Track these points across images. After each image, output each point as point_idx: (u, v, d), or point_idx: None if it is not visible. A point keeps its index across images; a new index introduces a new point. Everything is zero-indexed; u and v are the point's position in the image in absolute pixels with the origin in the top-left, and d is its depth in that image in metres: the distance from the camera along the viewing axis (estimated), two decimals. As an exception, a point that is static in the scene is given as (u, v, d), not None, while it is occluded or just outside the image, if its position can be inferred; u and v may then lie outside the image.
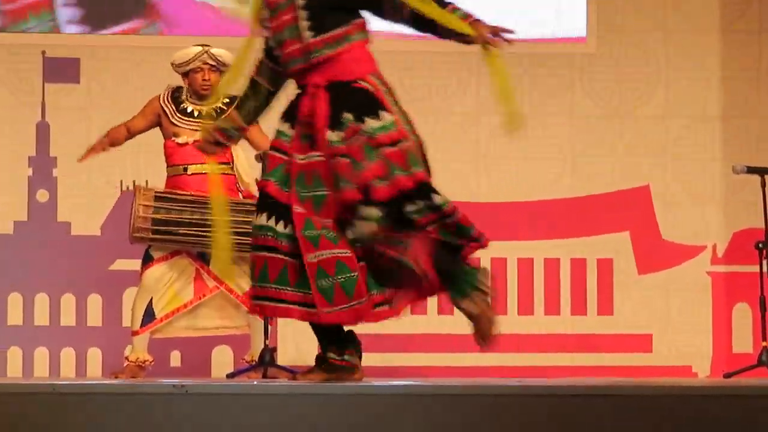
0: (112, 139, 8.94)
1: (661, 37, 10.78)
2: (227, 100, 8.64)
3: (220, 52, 8.99)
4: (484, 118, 10.72)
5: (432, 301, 9.78)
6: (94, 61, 10.74)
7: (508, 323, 9.83)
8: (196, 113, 8.85)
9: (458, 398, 5.10)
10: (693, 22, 10.79)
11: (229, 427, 4.88)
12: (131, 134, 8.85)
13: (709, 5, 10.80)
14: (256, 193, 8.15)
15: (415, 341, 10.62)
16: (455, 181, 10.18)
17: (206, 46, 9.16)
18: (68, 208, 10.26)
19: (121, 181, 9.38)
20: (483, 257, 9.94)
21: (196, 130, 8.55)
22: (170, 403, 4.99)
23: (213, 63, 8.89)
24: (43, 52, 10.48)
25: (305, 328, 9.75)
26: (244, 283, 8.28)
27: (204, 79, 8.83)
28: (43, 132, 10.55)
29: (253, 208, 7.95)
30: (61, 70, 10.74)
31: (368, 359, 9.48)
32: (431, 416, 4.83)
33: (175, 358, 9.84)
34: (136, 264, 8.96)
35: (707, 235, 10.56)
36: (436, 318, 10.47)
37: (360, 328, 9.74)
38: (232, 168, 8.86)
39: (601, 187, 10.63)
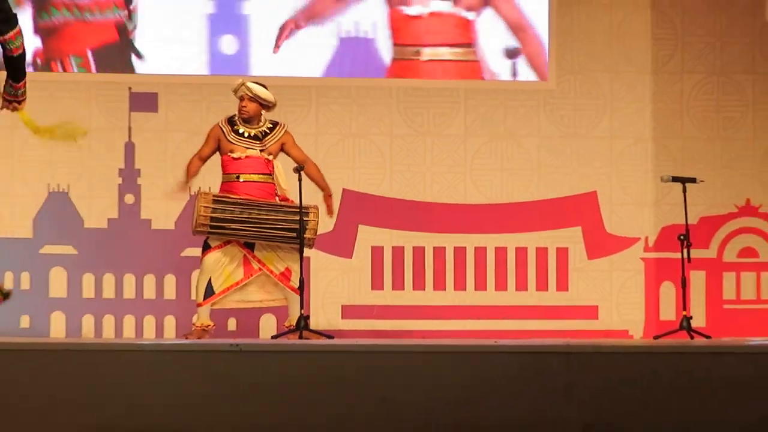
0: (191, 174, 9.04)
1: (607, 77, 10.77)
2: (270, 125, 8.97)
3: (253, 86, 9.00)
4: (469, 138, 10.73)
5: (429, 280, 10.67)
6: (169, 95, 10.64)
7: (487, 297, 10.70)
8: (246, 134, 8.84)
9: (449, 354, 5.24)
10: (632, 65, 10.80)
11: (273, 377, 4.97)
12: (203, 161, 8.98)
13: (644, 52, 10.77)
14: (291, 198, 8.80)
15: (417, 311, 10.53)
16: (448, 188, 10.78)
17: (245, 80, 9.16)
18: (149, 209, 10.28)
19: (189, 187, 9.31)
20: (467, 246, 10.79)
21: (248, 148, 8.78)
22: (228, 358, 5.14)
23: (250, 94, 8.88)
24: (130, 89, 10.44)
25: (333, 300, 10.55)
26: (280, 266, 8.65)
27: (242, 106, 8.87)
28: (129, 150, 10.48)
29: (288, 209, 8.73)
30: (144, 102, 10.68)
31: (381, 324, 10.56)
32: (428, 367, 5.03)
33: (232, 324, 9.91)
34: (199, 250, 8.95)
35: (641, 229, 10.55)
36: (432, 293, 10.68)
37: (377, 301, 10.69)
38: (272, 177, 8.89)
39: (560, 193, 10.62)
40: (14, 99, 7.65)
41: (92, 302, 10.36)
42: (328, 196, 9.00)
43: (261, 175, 8.85)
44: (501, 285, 10.65)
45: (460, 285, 10.69)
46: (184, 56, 11.30)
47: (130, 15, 11.22)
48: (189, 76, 10.89)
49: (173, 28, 11.41)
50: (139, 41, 11.28)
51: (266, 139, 8.87)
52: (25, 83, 7.73)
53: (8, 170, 10.36)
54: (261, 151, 8.85)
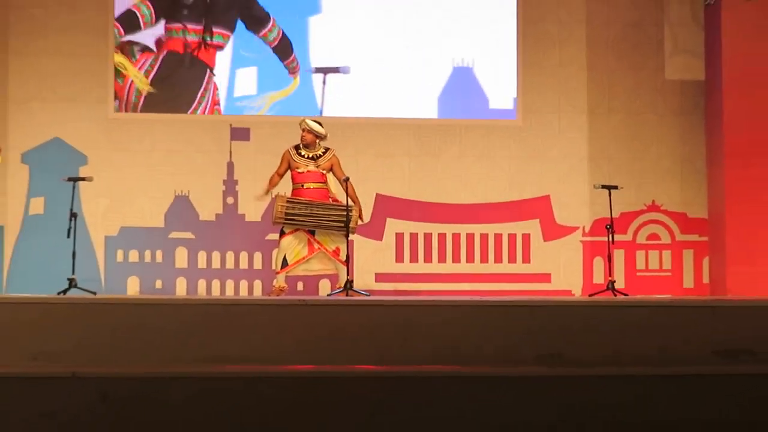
0: (273, 185, 8.99)
1: (556, 116, 10.69)
2: (324, 150, 8.97)
3: (310, 122, 9.03)
4: (463, 158, 10.71)
5: (435, 256, 10.59)
6: (258, 129, 10.52)
7: (474, 268, 10.57)
8: (306, 156, 8.87)
9: (448, 307, 5.47)
10: (574, 108, 10.68)
11: (329, 322, 5.09)
12: (281, 176, 8.99)
13: (582, 99, 10.70)
14: (339, 199, 8.80)
15: (426, 277, 10.53)
16: (448, 193, 10.66)
17: (305, 119, 9.15)
18: (243, 207, 10.27)
19: (270, 192, 9.10)
20: (462, 233, 10.64)
21: (307, 165, 8.83)
22: (298, 310, 5.28)
23: (307, 128, 8.89)
24: (231, 125, 10.41)
25: (369, 269, 10.39)
26: (332, 246, 8.62)
27: (303, 136, 8.90)
28: (230, 167, 10.38)
29: (337, 207, 8.68)
30: (240, 133, 10.52)
31: (402, 286, 10.52)
32: (434, 315, 5.18)
33: (300, 286, 9.86)
34: (277, 235, 8.86)
35: (580, 221, 10.49)
36: (437, 265, 10.60)
37: (399, 270, 10.62)
38: (326, 185, 8.89)
39: (525, 196, 10.56)
40: None
41: (204, 271, 10.31)
42: (359, 208, 8.99)
43: (318, 184, 8.84)
44: (484, 259, 10.59)
45: (456, 259, 10.60)
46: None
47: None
48: (269, 116, 10.76)
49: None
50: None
51: (320, 159, 8.87)
52: None
53: (147, 180, 10.35)
54: (317, 167, 8.88)
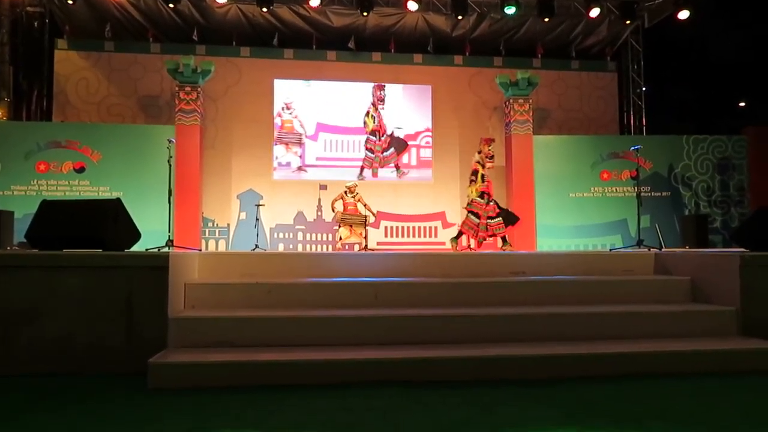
0: (335, 207, 9.05)
1: (448, 181, 11.78)
2: (356, 193, 9.47)
3: (350, 184, 9.64)
4: (413, 197, 11.76)
5: (401, 234, 11.48)
6: (331, 185, 11.25)
7: (416, 240, 11.67)
8: (351, 197, 9.32)
9: (410, 256, 5.21)
10: (453, 177, 11.75)
11: (359, 262, 4.76)
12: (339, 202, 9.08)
13: (457, 173, 11.51)
14: (365, 214, 9.18)
15: (397, 243, 11.52)
16: (407, 209, 11.78)
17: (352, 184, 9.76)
18: (325, 215, 10.71)
19: (335, 210, 9.11)
20: (411, 226, 11.30)
21: (351, 200, 9.38)
22: (357, 257, 4.87)
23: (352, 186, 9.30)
24: (320, 185, 11.44)
25: (373, 240, 10.54)
26: (360, 231, 9.09)
27: (349, 188, 9.32)
28: (319, 201, 11.24)
29: (363, 216, 8.99)
30: (323, 187, 11.33)
31: (387, 247, 10.94)
32: (403, 258, 5.07)
33: (346, 247, 9.62)
34: (337, 227, 9.43)
35: (456, 221, 11.14)
36: (402, 239, 11.65)
37: (385, 241, 10.82)
38: (357, 209, 9.20)
39: (436, 211, 11.67)
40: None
41: (309, 242, 11.18)
42: (372, 216, 9.54)
43: (353, 208, 9.57)
44: (422, 236, 11.69)
45: (409, 235, 11.65)
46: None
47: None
48: (336, 180, 10.94)
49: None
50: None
51: (355, 197, 9.62)
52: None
53: (286, 205, 11.15)
54: (355, 200, 9.57)
